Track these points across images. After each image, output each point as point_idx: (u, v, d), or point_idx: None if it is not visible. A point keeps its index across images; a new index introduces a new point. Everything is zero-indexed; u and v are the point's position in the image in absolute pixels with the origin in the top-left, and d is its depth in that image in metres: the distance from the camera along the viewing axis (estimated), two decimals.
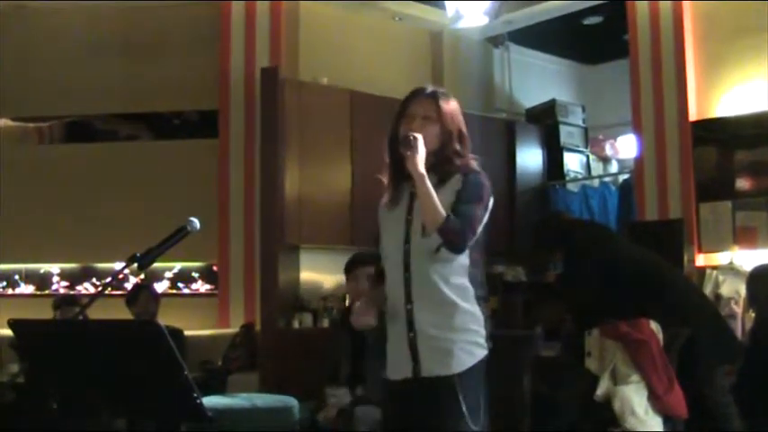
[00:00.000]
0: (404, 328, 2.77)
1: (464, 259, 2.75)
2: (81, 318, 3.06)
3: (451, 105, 2.88)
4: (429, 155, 2.76)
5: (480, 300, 2.79)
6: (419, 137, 2.73)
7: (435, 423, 2.70)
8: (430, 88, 2.91)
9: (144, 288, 5.95)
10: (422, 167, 2.69)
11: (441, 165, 2.80)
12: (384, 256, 2.89)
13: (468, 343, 2.74)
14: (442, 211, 2.66)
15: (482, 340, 2.77)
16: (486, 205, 2.79)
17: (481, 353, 2.76)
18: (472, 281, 2.77)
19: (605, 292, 4.47)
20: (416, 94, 2.90)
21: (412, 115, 2.84)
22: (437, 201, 2.66)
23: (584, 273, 4.62)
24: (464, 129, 2.88)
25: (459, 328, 2.73)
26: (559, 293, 5.18)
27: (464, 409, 2.68)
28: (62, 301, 5.99)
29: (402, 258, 2.78)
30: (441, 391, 2.70)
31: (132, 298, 5.76)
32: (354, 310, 2.93)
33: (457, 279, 2.74)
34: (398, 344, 2.80)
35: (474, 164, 2.85)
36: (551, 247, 5.04)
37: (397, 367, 2.81)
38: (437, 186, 2.73)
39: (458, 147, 2.83)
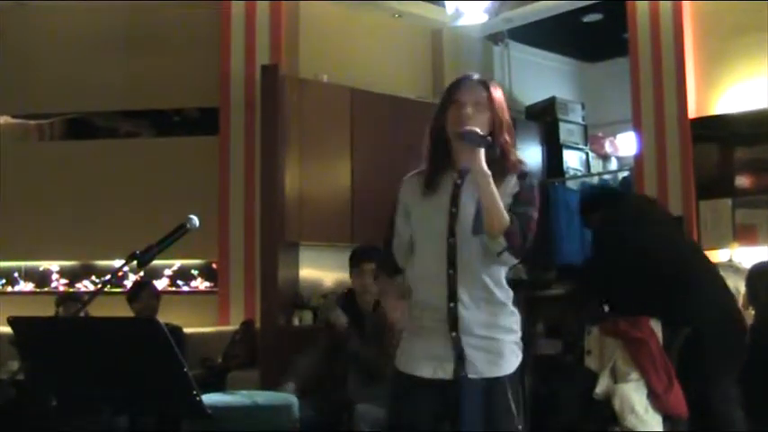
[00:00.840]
0: (443, 326, 2.66)
1: (497, 271, 2.72)
2: (81, 315, 3.05)
3: (500, 94, 2.77)
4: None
5: (514, 303, 2.77)
6: (483, 132, 2.61)
7: (487, 424, 2.62)
8: (477, 75, 2.80)
9: (145, 285, 5.95)
10: (485, 166, 2.56)
11: (495, 160, 2.64)
12: (418, 243, 2.75)
13: (515, 344, 2.72)
14: (506, 215, 2.56)
15: (521, 342, 2.76)
16: (539, 210, 2.72)
17: (520, 354, 2.74)
18: (509, 284, 2.76)
19: (628, 275, 4.37)
20: (465, 79, 2.77)
21: (462, 102, 2.69)
22: (500, 203, 2.56)
23: (611, 245, 4.51)
24: (510, 121, 2.78)
25: (507, 329, 2.70)
26: (590, 275, 5.02)
27: (513, 409, 2.66)
28: (64, 299, 6.00)
29: (446, 253, 2.66)
30: (493, 392, 2.64)
31: (134, 295, 5.76)
32: (388, 305, 2.94)
33: (504, 281, 2.73)
34: (434, 341, 2.68)
35: (525, 164, 2.77)
36: (588, 211, 4.90)
37: (430, 365, 2.69)
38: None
39: (508, 138, 2.73)
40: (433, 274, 2.68)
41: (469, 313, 2.64)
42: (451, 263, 2.64)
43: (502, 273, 2.71)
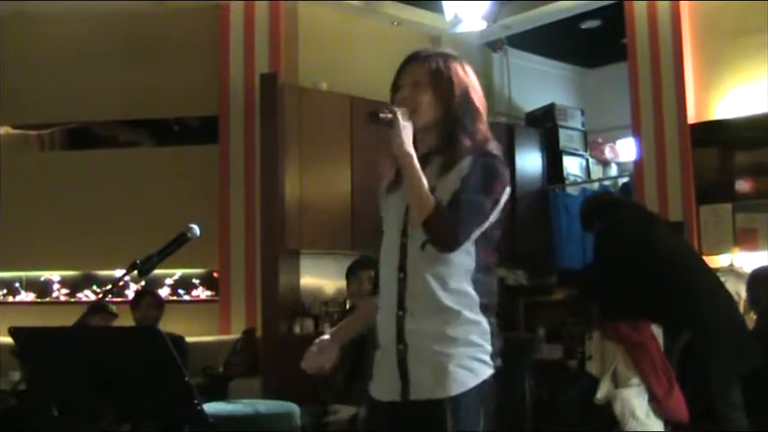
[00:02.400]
0: (393, 338, 2.31)
1: (467, 261, 2.27)
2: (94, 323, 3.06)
3: (454, 69, 2.39)
4: (428, 131, 2.37)
5: (487, 310, 2.30)
6: (398, 110, 2.28)
7: None
8: (426, 51, 2.45)
9: (146, 294, 5.95)
10: (409, 146, 2.24)
11: (446, 146, 2.35)
12: (382, 245, 2.43)
13: (469, 358, 2.24)
14: (431, 199, 2.19)
15: (486, 357, 2.27)
16: (497, 198, 2.28)
17: (485, 371, 2.26)
18: (479, 288, 2.29)
19: (631, 283, 4.37)
20: (407, 60, 2.45)
21: (399, 85, 2.42)
22: (424, 186, 2.20)
23: (614, 254, 4.52)
24: (477, 101, 2.40)
25: (460, 340, 2.24)
26: (584, 285, 5.05)
27: None
28: (97, 309, 5.91)
29: (398, 255, 2.33)
30: (431, 418, 2.23)
31: (134, 303, 5.76)
32: (309, 350, 2.50)
33: (457, 283, 2.26)
34: (385, 357, 2.35)
35: (491, 146, 2.36)
36: (590, 219, 4.91)
37: (382, 386, 2.36)
38: (441, 172, 2.31)
39: (465, 121, 2.35)
40: (388, 281, 2.36)
41: (415, 323, 2.28)
42: (401, 266, 2.31)
43: (455, 275, 2.27)
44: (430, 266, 2.26)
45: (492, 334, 2.29)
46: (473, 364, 2.25)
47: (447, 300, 2.25)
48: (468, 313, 2.26)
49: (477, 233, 2.26)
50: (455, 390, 2.22)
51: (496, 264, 2.39)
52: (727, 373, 4.30)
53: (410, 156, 2.23)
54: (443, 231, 2.19)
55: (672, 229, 5.14)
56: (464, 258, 2.27)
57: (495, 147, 2.38)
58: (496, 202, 2.28)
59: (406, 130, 2.26)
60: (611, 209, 4.84)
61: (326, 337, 2.56)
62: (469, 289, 2.27)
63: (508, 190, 2.33)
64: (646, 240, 4.53)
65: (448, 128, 2.36)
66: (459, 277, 2.28)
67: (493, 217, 2.29)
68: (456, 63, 2.42)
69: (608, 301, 4.60)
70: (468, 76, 2.43)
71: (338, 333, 2.61)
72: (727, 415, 4.31)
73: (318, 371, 2.48)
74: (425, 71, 2.38)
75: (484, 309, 2.29)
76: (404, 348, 2.28)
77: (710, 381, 4.22)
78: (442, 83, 2.36)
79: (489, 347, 2.28)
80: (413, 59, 2.43)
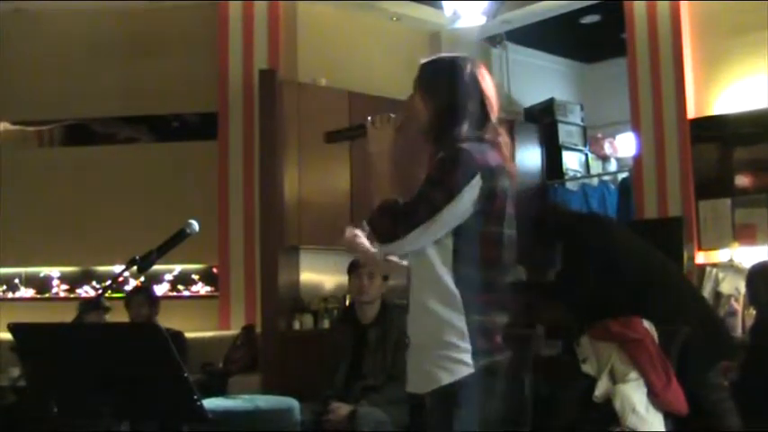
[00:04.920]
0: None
1: (444, 255, 2.31)
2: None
3: (442, 75, 2.52)
4: (425, 135, 2.49)
5: (475, 307, 2.31)
6: (375, 118, 2.49)
7: None
8: (430, 58, 2.62)
9: (139, 292, 5.91)
10: (373, 149, 2.44)
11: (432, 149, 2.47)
12: None
13: (444, 358, 2.30)
14: (381, 198, 2.34)
15: (464, 356, 2.29)
16: (451, 188, 2.27)
17: (461, 371, 2.28)
18: (465, 284, 2.31)
19: (603, 288, 4.46)
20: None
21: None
22: (380, 187, 2.36)
23: (581, 268, 4.62)
24: (451, 103, 2.45)
25: (435, 338, 2.32)
26: (558, 290, 5.16)
27: None
28: (89, 306, 5.91)
29: None
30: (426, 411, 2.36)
31: (127, 300, 5.75)
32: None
33: (434, 280, 2.32)
34: None
35: (462, 142, 2.38)
36: (550, 241, 5.01)
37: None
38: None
39: (446, 125, 2.43)
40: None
41: (411, 320, 2.43)
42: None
43: (429, 269, 2.33)
44: (413, 263, 2.39)
45: (476, 332, 2.30)
46: (447, 363, 2.28)
47: (425, 297, 2.34)
48: (445, 311, 2.30)
49: (432, 227, 2.27)
50: (429, 386, 2.31)
51: (500, 259, 2.41)
52: (701, 358, 4.35)
53: (372, 156, 2.41)
54: (382, 227, 2.30)
55: (630, 231, 5.25)
56: (440, 253, 2.32)
57: (474, 147, 2.37)
58: (450, 192, 2.27)
59: (377, 136, 2.45)
60: (565, 226, 4.89)
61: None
62: (449, 286, 2.31)
63: (476, 181, 2.30)
64: (611, 242, 4.66)
65: (431, 132, 2.46)
66: (435, 273, 2.32)
67: (457, 209, 2.28)
68: (451, 68, 2.53)
69: (586, 307, 4.67)
70: (461, 79, 2.49)
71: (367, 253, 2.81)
72: (707, 396, 4.36)
73: None
74: (417, 78, 2.55)
75: (469, 306, 2.30)
76: (408, 343, 2.44)
77: (686, 367, 4.26)
78: (427, 89, 2.50)
79: (468, 346, 2.29)
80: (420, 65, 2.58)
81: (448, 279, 2.31)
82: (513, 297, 2.41)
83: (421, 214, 2.27)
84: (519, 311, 2.46)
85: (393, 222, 2.29)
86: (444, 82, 2.50)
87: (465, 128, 2.42)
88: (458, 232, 2.31)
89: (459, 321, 2.30)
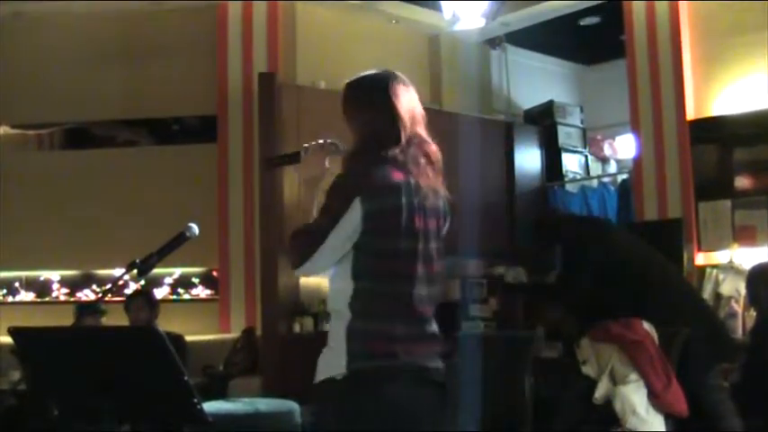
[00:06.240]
0: None
1: (338, 269, 2.48)
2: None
3: (348, 100, 2.62)
4: None
5: (362, 314, 2.44)
6: (308, 146, 2.62)
7: None
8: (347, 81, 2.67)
9: (137, 296, 5.87)
10: (307, 173, 2.60)
11: None
12: None
13: (326, 356, 2.50)
14: (310, 220, 2.49)
15: (338, 358, 2.43)
16: (334, 213, 2.42)
17: (334, 371, 2.43)
18: (360, 295, 2.45)
19: (602, 290, 4.47)
20: None
21: None
22: (311, 209, 2.53)
23: (581, 270, 4.63)
24: (358, 125, 2.58)
25: (328, 338, 2.53)
26: (558, 292, 5.17)
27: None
28: (86, 310, 5.90)
29: None
30: None
31: (126, 304, 5.74)
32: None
33: (333, 289, 2.54)
34: None
35: (360, 162, 2.49)
36: (549, 246, 5.04)
37: None
38: None
39: (353, 151, 2.56)
40: None
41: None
42: None
43: (333, 280, 2.53)
44: (328, 273, 2.55)
45: (361, 338, 2.42)
46: (327, 361, 2.47)
47: (330, 303, 2.56)
48: (338, 318, 2.48)
49: (325, 252, 2.43)
50: (316, 380, 2.50)
51: (397, 272, 2.46)
52: (701, 360, 4.36)
53: (305, 185, 2.58)
54: (291, 253, 2.49)
55: (629, 234, 5.25)
56: (343, 268, 2.47)
57: (360, 168, 2.46)
58: (333, 216, 2.41)
59: (309, 163, 2.60)
60: (563, 230, 4.91)
61: None
62: (340, 295, 2.49)
63: (356, 204, 2.40)
64: (609, 244, 4.70)
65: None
66: (334, 284, 2.52)
67: (342, 232, 2.40)
68: (360, 91, 2.60)
69: (586, 309, 4.68)
70: (368, 101, 2.57)
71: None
72: (708, 397, 4.36)
73: None
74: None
75: (358, 313, 2.44)
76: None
77: (686, 369, 4.26)
78: (344, 113, 2.63)
79: (345, 349, 2.42)
80: None
81: (348, 289, 2.46)
82: (421, 306, 2.47)
83: (314, 241, 2.43)
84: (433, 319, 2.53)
85: (296, 249, 2.48)
86: (353, 105, 2.61)
87: (368, 149, 2.51)
88: (356, 248, 2.44)
89: (342, 326, 2.45)
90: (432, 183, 2.53)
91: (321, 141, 2.61)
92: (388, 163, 2.47)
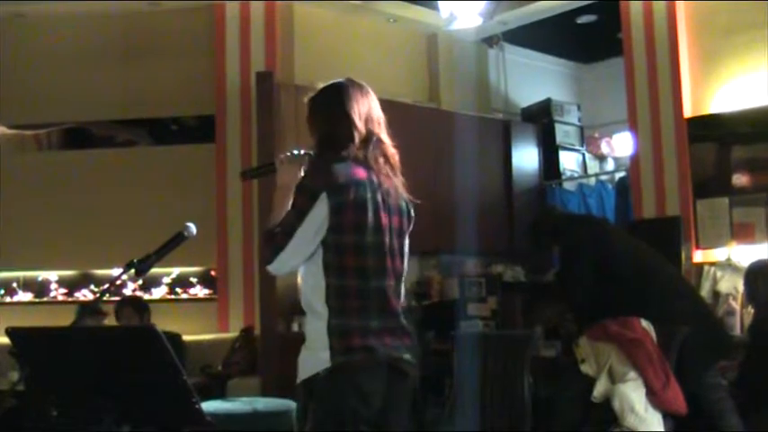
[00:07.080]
0: None
1: (311, 266, 2.57)
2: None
3: (310, 110, 2.84)
4: None
5: (336, 310, 2.53)
6: (281, 156, 2.73)
7: None
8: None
9: (125, 303, 5.85)
10: (281, 182, 2.66)
11: None
12: None
13: (306, 353, 2.61)
14: (272, 223, 2.59)
15: (321, 353, 2.53)
16: (301, 209, 2.55)
17: (318, 366, 2.53)
18: (332, 291, 2.54)
19: (600, 289, 4.48)
20: None
21: None
22: (273, 218, 2.59)
23: (579, 269, 4.63)
24: (318, 133, 2.77)
25: (308, 336, 2.62)
26: (558, 292, 5.18)
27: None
28: (88, 311, 5.91)
29: None
30: None
31: (116, 312, 5.73)
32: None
33: (308, 286, 2.61)
34: None
35: (325, 163, 2.63)
36: (547, 245, 5.05)
37: None
38: None
39: (316, 155, 2.71)
40: None
41: None
42: None
43: (306, 279, 2.61)
44: (301, 271, 2.63)
45: (339, 333, 2.51)
46: (308, 359, 2.57)
47: (305, 300, 2.61)
48: (315, 314, 2.56)
49: (292, 249, 2.52)
50: (299, 379, 2.59)
51: (364, 267, 2.55)
52: (699, 358, 4.37)
53: (279, 186, 2.64)
54: (263, 253, 2.70)
55: (626, 232, 5.25)
56: (307, 264, 2.57)
57: (323, 166, 2.58)
58: (300, 211, 2.53)
59: (284, 170, 2.67)
60: (561, 229, 4.91)
61: None
62: (314, 292, 2.57)
63: (322, 198, 2.52)
64: (607, 243, 4.71)
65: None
66: (307, 281, 2.59)
67: (308, 228, 2.51)
68: (312, 102, 2.86)
69: (584, 307, 4.69)
70: (324, 110, 2.80)
71: None
72: (706, 395, 4.37)
73: None
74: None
75: (336, 310, 2.53)
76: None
77: (684, 367, 4.27)
78: (307, 124, 2.83)
79: (327, 344, 2.51)
80: None
81: (321, 286, 2.54)
82: (395, 300, 2.58)
83: (281, 239, 2.53)
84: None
85: (267, 246, 2.57)
86: (314, 115, 2.83)
87: (328, 148, 2.68)
88: (325, 244, 2.54)
89: (323, 322, 2.53)
90: (392, 182, 2.65)
91: (295, 152, 2.71)
92: (350, 160, 2.60)
